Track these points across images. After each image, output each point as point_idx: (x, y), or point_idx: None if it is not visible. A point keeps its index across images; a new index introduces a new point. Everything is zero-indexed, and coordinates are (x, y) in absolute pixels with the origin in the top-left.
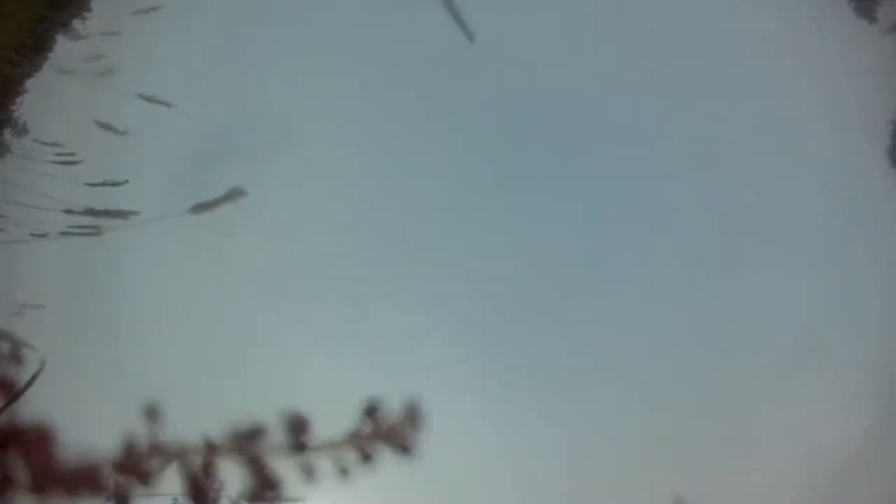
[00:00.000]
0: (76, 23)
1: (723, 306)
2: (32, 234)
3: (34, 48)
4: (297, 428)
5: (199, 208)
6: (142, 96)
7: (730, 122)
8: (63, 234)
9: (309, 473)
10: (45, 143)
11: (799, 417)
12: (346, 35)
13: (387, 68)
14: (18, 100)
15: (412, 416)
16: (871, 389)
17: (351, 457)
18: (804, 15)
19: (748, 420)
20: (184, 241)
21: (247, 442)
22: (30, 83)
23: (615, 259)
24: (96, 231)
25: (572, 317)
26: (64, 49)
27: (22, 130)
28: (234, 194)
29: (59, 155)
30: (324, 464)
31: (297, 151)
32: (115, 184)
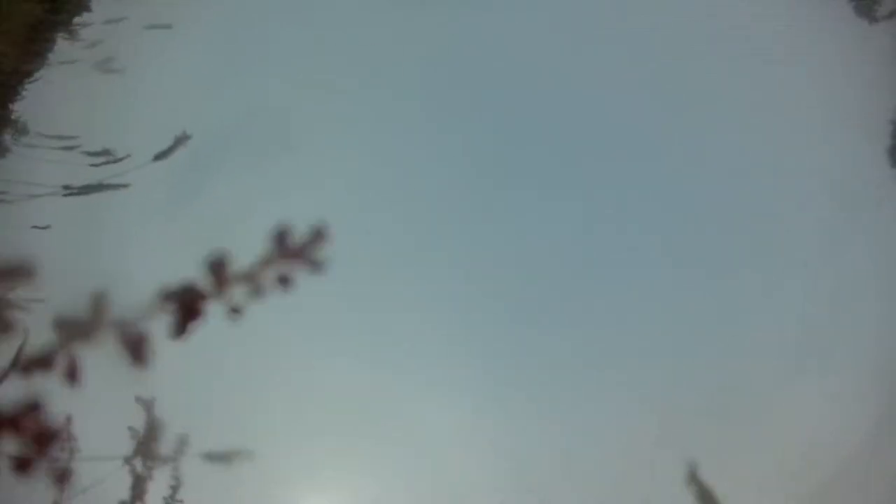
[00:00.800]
0: (76, 22)
1: (723, 306)
2: (31, 195)
3: (34, 50)
4: (217, 268)
5: (160, 156)
6: (146, 26)
7: (729, 121)
8: (65, 189)
9: (233, 309)
10: (46, 137)
11: (798, 417)
12: (346, 35)
13: (387, 68)
14: (18, 100)
15: (318, 233)
16: (872, 389)
17: (267, 281)
18: (804, 15)
19: (747, 420)
20: (183, 240)
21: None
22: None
23: (614, 258)
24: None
25: (572, 316)
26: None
27: (22, 131)
28: (181, 140)
29: (62, 146)
30: (243, 293)
31: (297, 152)
32: (117, 160)
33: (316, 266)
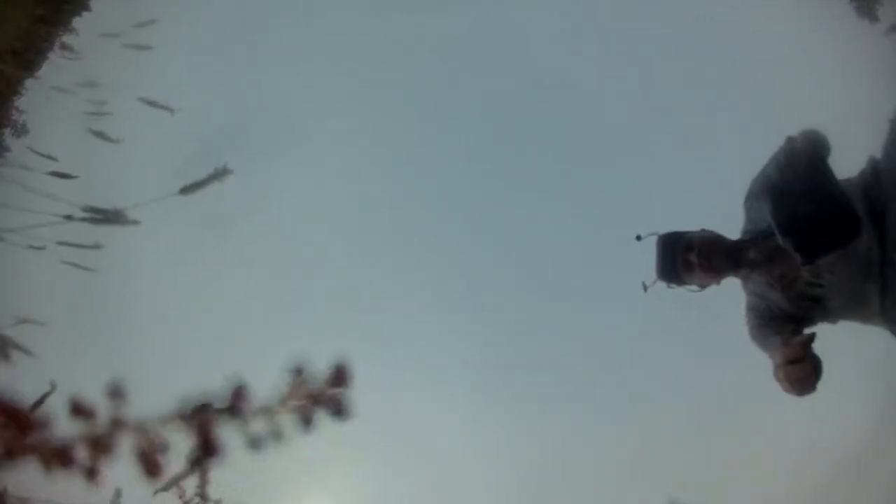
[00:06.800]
0: (76, 22)
1: (723, 306)
2: (31, 247)
3: (33, 48)
4: (237, 395)
5: (187, 189)
6: (144, 100)
7: (729, 121)
8: (61, 244)
9: (253, 442)
10: (40, 155)
11: (799, 417)
12: (346, 35)
13: (387, 68)
14: (17, 100)
15: (340, 373)
16: (872, 389)
17: (288, 421)
18: (804, 15)
19: (748, 419)
20: (184, 240)
21: (195, 413)
22: (29, 85)
23: (615, 258)
24: (96, 245)
25: (572, 316)
26: (59, 64)
27: (21, 130)
28: (220, 173)
29: (55, 166)
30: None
31: (297, 151)
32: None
33: (339, 411)
